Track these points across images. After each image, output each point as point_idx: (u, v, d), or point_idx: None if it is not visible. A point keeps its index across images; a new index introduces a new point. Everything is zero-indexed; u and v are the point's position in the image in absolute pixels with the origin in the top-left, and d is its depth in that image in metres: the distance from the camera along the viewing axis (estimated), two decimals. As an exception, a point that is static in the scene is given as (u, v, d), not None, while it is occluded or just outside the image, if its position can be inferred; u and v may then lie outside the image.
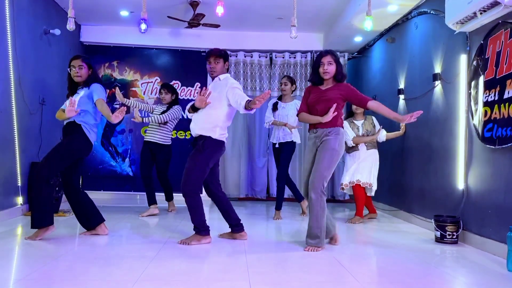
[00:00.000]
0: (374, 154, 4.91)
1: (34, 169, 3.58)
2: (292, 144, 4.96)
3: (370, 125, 4.91)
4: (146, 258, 2.98)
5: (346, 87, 3.49)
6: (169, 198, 5.38)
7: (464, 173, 3.82)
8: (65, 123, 3.63)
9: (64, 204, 5.19)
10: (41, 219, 3.42)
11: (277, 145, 4.98)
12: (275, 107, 5.03)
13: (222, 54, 3.67)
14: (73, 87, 3.69)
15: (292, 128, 4.91)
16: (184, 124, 6.24)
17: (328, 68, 3.41)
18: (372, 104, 3.42)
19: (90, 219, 3.71)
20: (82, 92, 3.61)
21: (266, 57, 6.84)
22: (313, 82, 3.56)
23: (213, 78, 3.69)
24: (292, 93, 5.12)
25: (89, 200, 3.71)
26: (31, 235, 3.46)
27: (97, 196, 6.36)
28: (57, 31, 5.27)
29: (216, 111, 3.53)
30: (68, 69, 3.65)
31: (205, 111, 3.54)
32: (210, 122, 3.51)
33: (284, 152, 4.93)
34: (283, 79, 5.08)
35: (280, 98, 5.13)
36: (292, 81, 5.08)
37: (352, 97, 3.49)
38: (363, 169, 4.84)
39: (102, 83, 3.77)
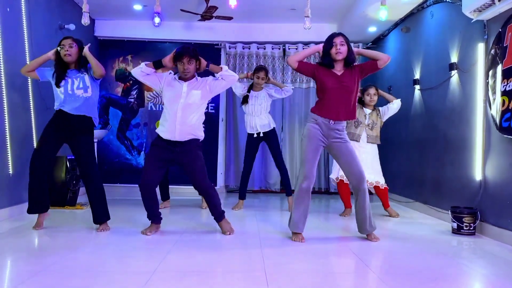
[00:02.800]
0: (375, 149, 4.66)
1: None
2: (275, 131, 4.96)
3: (376, 116, 4.74)
4: (163, 250, 3.02)
5: (356, 67, 3.41)
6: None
7: (482, 164, 3.77)
8: (68, 112, 3.54)
9: (81, 198, 5.27)
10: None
11: (261, 134, 4.88)
12: (245, 100, 4.93)
13: (196, 55, 3.60)
14: (61, 69, 3.57)
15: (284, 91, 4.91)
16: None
17: (341, 49, 3.30)
18: (382, 56, 3.35)
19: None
20: (85, 75, 3.59)
21: (279, 48, 6.80)
22: (323, 65, 3.42)
23: (185, 80, 3.58)
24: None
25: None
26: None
27: (112, 189, 6.47)
28: (72, 26, 5.32)
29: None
30: (58, 48, 3.55)
31: (188, 108, 3.53)
32: (196, 125, 3.59)
33: (274, 141, 4.91)
34: (261, 73, 4.87)
35: (250, 87, 4.98)
36: (267, 73, 4.94)
37: (365, 68, 3.39)
38: (365, 167, 4.37)
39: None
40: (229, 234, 3.56)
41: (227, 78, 3.59)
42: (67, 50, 3.50)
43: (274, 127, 4.94)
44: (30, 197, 3.54)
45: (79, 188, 5.06)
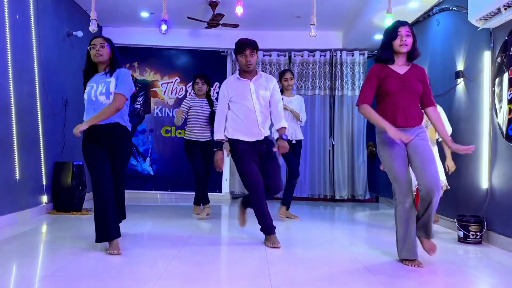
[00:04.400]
0: (435, 152, 4.01)
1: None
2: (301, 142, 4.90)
3: None
4: (168, 255, 3.02)
5: (423, 72, 2.96)
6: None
7: (488, 172, 3.75)
8: (101, 122, 3.07)
9: (87, 203, 5.29)
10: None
11: (293, 141, 4.72)
12: None
13: (257, 46, 3.43)
14: (91, 71, 3.23)
15: (300, 119, 4.80)
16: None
17: (407, 40, 2.84)
18: (432, 112, 2.94)
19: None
20: (112, 80, 3.12)
21: (285, 56, 6.83)
22: (382, 60, 2.94)
23: (247, 74, 3.42)
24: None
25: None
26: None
27: (118, 195, 6.48)
28: (79, 33, 5.37)
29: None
30: (88, 48, 3.19)
31: (264, 110, 3.44)
32: (269, 121, 3.53)
33: (298, 151, 4.82)
34: (287, 74, 4.77)
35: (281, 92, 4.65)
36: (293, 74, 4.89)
37: (425, 90, 2.94)
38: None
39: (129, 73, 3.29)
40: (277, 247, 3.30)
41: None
42: (98, 50, 3.13)
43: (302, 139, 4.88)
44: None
45: (85, 194, 5.08)
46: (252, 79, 3.41)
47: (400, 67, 2.91)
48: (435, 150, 3.97)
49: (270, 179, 3.41)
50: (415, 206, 2.87)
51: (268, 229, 3.37)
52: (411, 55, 2.92)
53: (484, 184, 3.78)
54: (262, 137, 3.40)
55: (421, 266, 2.80)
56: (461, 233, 3.71)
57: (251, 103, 3.37)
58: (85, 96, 3.15)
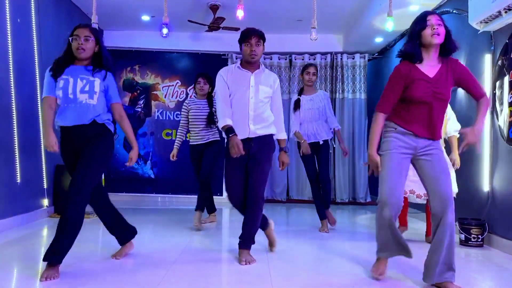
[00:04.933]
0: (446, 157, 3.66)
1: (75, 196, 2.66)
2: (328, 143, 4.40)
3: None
4: (169, 259, 3.02)
5: (459, 67, 2.48)
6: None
7: (489, 175, 3.74)
8: (72, 123, 2.70)
9: (88, 207, 5.28)
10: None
11: (321, 142, 4.27)
12: (297, 105, 4.27)
13: (263, 36, 3.11)
14: (65, 64, 2.74)
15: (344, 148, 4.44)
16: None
17: (439, 29, 2.36)
18: (485, 100, 2.50)
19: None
20: (97, 80, 2.73)
21: (286, 59, 6.84)
22: (409, 58, 2.46)
23: (250, 66, 3.11)
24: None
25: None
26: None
27: (119, 198, 6.48)
28: (80, 37, 5.37)
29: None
30: (70, 38, 2.75)
31: (260, 106, 3.09)
32: (269, 119, 3.16)
33: (325, 152, 4.33)
34: (311, 68, 4.27)
35: (301, 91, 4.40)
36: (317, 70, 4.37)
37: (467, 83, 2.49)
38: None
39: (113, 70, 2.93)
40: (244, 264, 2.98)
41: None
42: (81, 44, 2.69)
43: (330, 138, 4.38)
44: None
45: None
46: (253, 72, 3.11)
47: (431, 67, 2.44)
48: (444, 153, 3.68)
49: (248, 187, 3.08)
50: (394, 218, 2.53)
51: (246, 239, 3.08)
52: (447, 49, 2.43)
53: (486, 187, 3.78)
54: (251, 135, 3.05)
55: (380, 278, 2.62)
56: (463, 236, 3.71)
57: (247, 95, 3.05)
58: (59, 93, 2.68)
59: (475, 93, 2.50)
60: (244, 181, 3.10)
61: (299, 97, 4.33)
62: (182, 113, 4.58)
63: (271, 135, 3.16)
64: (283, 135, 3.23)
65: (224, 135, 3.10)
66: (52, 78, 2.73)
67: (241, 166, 3.09)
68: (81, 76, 2.71)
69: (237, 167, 3.08)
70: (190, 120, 4.53)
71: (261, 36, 3.08)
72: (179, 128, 4.56)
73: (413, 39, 2.43)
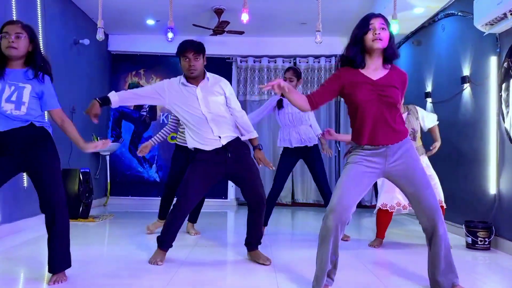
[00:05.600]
0: (425, 162, 3.70)
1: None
2: (317, 147, 4.21)
3: (415, 121, 3.76)
4: (176, 262, 3.02)
5: (403, 76, 2.37)
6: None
7: (496, 177, 3.72)
8: (4, 128, 2.41)
9: (94, 210, 5.30)
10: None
11: (310, 145, 4.11)
12: (280, 105, 4.08)
13: (202, 49, 3.01)
14: None
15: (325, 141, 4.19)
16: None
17: (382, 34, 2.23)
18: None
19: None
20: (27, 86, 2.41)
21: (290, 62, 6.84)
22: (349, 62, 2.33)
23: (193, 78, 2.99)
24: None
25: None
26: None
27: (124, 202, 6.51)
28: (86, 41, 5.41)
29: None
30: None
31: (217, 118, 2.99)
32: (231, 123, 3.08)
33: (318, 158, 4.15)
34: (287, 73, 4.07)
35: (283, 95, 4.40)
36: (299, 76, 4.11)
37: (403, 88, 2.40)
38: None
39: (51, 73, 2.55)
40: (269, 263, 3.02)
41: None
42: (12, 42, 2.37)
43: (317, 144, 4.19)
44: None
45: (91, 201, 5.10)
46: (198, 85, 2.98)
47: (374, 71, 2.31)
48: (425, 160, 3.71)
49: (249, 192, 3.05)
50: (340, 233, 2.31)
51: (160, 242, 3.03)
52: (388, 55, 2.30)
53: (492, 189, 3.76)
54: (222, 145, 2.96)
55: None
56: (469, 239, 3.69)
57: (199, 111, 2.94)
58: None
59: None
60: (204, 191, 3.06)
61: (281, 97, 4.02)
62: (170, 117, 4.31)
63: (238, 138, 3.07)
64: (253, 134, 3.11)
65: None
66: None
67: (211, 178, 3.01)
68: (10, 82, 2.39)
69: (198, 179, 2.96)
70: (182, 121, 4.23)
71: (198, 50, 2.96)
72: (167, 126, 4.25)
73: (356, 43, 2.29)
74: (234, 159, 3.00)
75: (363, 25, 2.28)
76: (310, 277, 2.74)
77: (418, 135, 3.77)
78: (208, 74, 3.07)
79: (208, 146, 2.96)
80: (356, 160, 2.32)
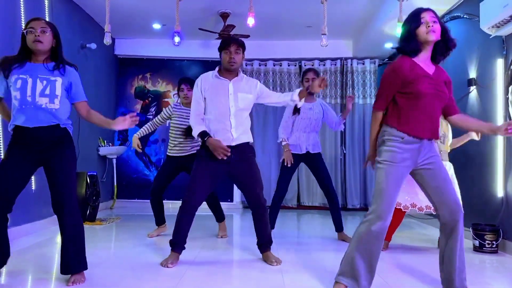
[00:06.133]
0: (450, 168, 3.73)
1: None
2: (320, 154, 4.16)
3: (446, 126, 3.74)
4: (183, 264, 3.03)
5: (446, 75, 2.46)
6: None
7: (503, 180, 3.71)
8: (34, 124, 2.49)
9: (101, 213, 5.33)
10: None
11: (313, 152, 4.07)
12: (296, 109, 4.00)
13: (243, 44, 3.16)
14: (19, 59, 2.52)
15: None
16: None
17: (435, 26, 2.30)
18: (461, 117, 2.51)
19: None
20: (58, 79, 2.53)
21: (295, 65, 6.86)
22: (406, 52, 2.37)
23: (228, 73, 3.12)
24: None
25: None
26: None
27: (131, 205, 6.54)
28: (93, 45, 5.46)
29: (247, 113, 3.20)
30: (24, 31, 2.53)
31: (240, 114, 3.09)
32: (248, 125, 3.19)
33: (322, 162, 4.09)
34: (309, 74, 4.04)
35: None
36: (319, 76, 4.03)
37: (450, 94, 2.45)
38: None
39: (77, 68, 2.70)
40: (277, 264, 3.12)
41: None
42: (38, 36, 2.47)
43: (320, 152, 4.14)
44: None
45: (98, 204, 5.13)
46: (232, 79, 3.11)
47: (427, 66, 2.38)
48: (449, 165, 3.71)
49: (249, 196, 3.14)
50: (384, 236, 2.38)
51: (172, 244, 3.12)
52: (446, 46, 2.38)
53: (500, 192, 3.74)
54: (234, 142, 3.04)
55: None
56: (477, 242, 3.67)
57: (227, 104, 3.04)
58: (16, 94, 2.46)
59: (454, 109, 2.49)
60: (210, 187, 3.09)
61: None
62: (161, 114, 4.24)
63: (248, 143, 3.15)
64: (290, 94, 3.19)
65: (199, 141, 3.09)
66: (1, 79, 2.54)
67: (215, 175, 3.06)
68: (41, 76, 2.49)
69: (206, 176, 3.03)
70: (171, 127, 4.21)
71: (240, 45, 3.12)
72: (150, 122, 4.27)
73: (410, 38, 2.34)
74: (238, 161, 3.06)
75: (415, 19, 2.32)
76: (316, 279, 2.74)
77: (448, 139, 3.75)
78: (242, 74, 3.21)
79: (220, 139, 3.01)
80: (395, 159, 2.34)
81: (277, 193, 4.09)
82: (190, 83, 4.09)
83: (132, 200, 6.64)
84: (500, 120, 3.76)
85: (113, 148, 6.16)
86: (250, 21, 4.18)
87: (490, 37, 3.75)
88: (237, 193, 6.81)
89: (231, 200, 6.75)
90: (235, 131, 3.05)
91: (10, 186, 2.47)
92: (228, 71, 3.11)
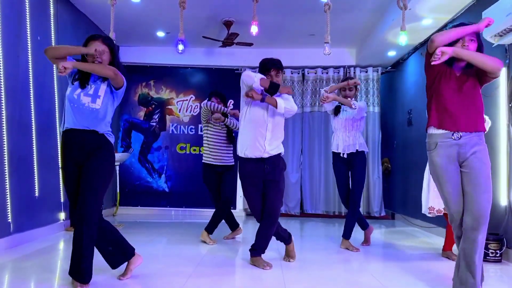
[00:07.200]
0: None
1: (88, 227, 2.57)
2: (364, 155, 4.16)
3: None
4: (185, 273, 3.03)
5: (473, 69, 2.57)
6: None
7: (507, 189, 3.70)
8: (73, 128, 2.65)
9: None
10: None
11: (345, 155, 4.10)
12: (337, 110, 4.16)
13: (281, 66, 3.39)
14: (83, 77, 2.72)
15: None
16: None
17: (470, 45, 2.50)
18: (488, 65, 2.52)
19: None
20: (103, 84, 2.73)
21: (298, 73, 6.88)
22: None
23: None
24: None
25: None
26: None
27: (133, 212, 6.55)
28: (98, 53, 5.49)
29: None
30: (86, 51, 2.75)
31: (280, 124, 3.35)
32: (280, 138, 3.39)
33: (359, 167, 4.09)
34: (350, 81, 4.15)
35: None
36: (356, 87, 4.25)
37: (479, 74, 2.57)
38: None
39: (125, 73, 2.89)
40: (269, 268, 3.21)
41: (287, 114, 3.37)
42: (97, 58, 2.70)
43: (363, 151, 4.14)
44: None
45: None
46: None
47: (457, 72, 2.58)
48: None
49: (266, 202, 3.31)
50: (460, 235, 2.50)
51: (260, 248, 3.33)
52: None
53: (503, 201, 3.73)
54: (266, 155, 3.26)
55: None
56: (480, 251, 3.65)
57: (265, 118, 3.26)
58: (68, 90, 2.71)
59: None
60: (261, 197, 3.32)
61: (339, 104, 4.19)
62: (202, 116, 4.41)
63: (279, 154, 3.35)
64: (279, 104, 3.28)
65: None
66: (74, 77, 2.75)
67: (257, 186, 3.31)
68: (92, 83, 2.72)
69: (253, 188, 3.31)
70: (207, 135, 4.40)
71: (279, 68, 3.33)
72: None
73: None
74: (270, 170, 3.28)
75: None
76: (316, 281, 2.73)
77: None
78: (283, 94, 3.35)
79: (254, 151, 3.26)
80: (441, 163, 2.51)
81: (341, 196, 4.22)
82: (221, 96, 4.44)
83: (135, 207, 6.65)
84: (503, 128, 3.76)
85: (116, 155, 6.17)
86: (254, 29, 4.21)
87: (493, 45, 3.75)
88: (239, 201, 6.81)
89: (234, 208, 6.74)
90: (268, 143, 3.26)
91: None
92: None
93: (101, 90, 2.70)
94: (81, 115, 2.64)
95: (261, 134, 3.25)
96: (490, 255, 3.59)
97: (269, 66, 3.30)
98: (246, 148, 3.28)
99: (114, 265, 2.82)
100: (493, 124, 3.93)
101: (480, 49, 2.51)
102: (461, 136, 2.47)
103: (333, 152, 4.19)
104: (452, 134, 2.47)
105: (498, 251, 3.59)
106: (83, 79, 2.71)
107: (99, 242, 2.70)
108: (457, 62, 2.55)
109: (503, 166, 3.74)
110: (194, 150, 6.80)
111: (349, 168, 4.13)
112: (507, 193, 3.69)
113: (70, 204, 2.68)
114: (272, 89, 3.18)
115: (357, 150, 4.08)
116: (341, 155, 4.10)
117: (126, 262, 2.86)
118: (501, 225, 3.71)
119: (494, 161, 3.87)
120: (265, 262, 3.26)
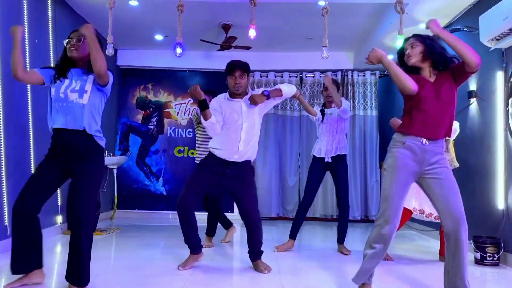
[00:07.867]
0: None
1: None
2: (345, 158, 4.15)
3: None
4: (182, 276, 3.02)
5: (448, 71, 2.57)
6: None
7: (504, 192, 3.71)
8: (62, 128, 2.62)
9: (101, 223, 5.31)
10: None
11: (328, 159, 4.07)
12: (322, 114, 4.18)
13: (247, 69, 3.37)
14: (64, 68, 2.75)
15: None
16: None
17: (411, 51, 2.59)
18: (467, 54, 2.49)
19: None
20: (89, 78, 2.72)
21: (296, 76, 6.89)
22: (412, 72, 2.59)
23: (237, 96, 3.32)
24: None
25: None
26: None
27: (131, 215, 6.53)
28: (95, 56, 5.49)
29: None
30: (64, 42, 2.83)
31: (251, 132, 3.29)
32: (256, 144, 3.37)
33: (342, 170, 4.09)
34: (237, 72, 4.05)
35: (324, 105, 4.32)
36: (338, 86, 4.25)
37: (455, 71, 2.57)
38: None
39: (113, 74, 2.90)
40: (267, 272, 3.21)
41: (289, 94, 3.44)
42: (73, 43, 2.74)
43: (345, 154, 4.13)
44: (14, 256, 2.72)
45: (99, 214, 5.11)
46: (242, 98, 3.32)
47: (429, 78, 2.58)
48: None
49: (242, 214, 3.29)
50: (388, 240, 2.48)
51: (192, 245, 3.30)
52: (435, 62, 2.55)
53: (500, 204, 3.74)
54: (239, 158, 3.22)
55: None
56: (478, 255, 3.66)
57: (240, 122, 3.23)
58: (52, 91, 2.68)
59: (460, 64, 2.52)
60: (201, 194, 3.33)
61: (323, 108, 4.25)
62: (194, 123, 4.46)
63: (249, 161, 3.33)
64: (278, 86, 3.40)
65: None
66: (51, 71, 2.78)
67: (209, 183, 3.27)
68: (76, 77, 2.71)
69: (203, 182, 3.23)
70: (199, 137, 4.45)
71: (245, 69, 3.29)
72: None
73: (401, 64, 2.67)
74: (234, 176, 3.23)
75: (402, 49, 2.68)
76: (313, 284, 2.73)
77: (449, 145, 3.74)
78: (251, 90, 3.41)
79: (223, 152, 3.22)
80: (398, 166, 2.48)
81: (304, 201, 4.17)
82: (214, 94, 4.36)
83: (133, 211, 6.64)
84: (500, 132, 3.77)
85: (114, 158, 6.16)
86: (252, 33, 4.22)
87: (490, 49, 3.77)
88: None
89: (232, 211, 6.73)
90: (243, 144, 3.22)
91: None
92: (236, 94, 3.30)
93: (87, 86, 2.69)
94: (70, 114, 2.62)
95: (236, 136, 3.24)
96: (488, 258, 3.59)
97: (234, 67, 3.28)
98: (217, 149, 3.29)
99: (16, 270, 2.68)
100: (489, 128, 3.94)
101: (430, 49, 2.56)
102: (429, 143, 2.45)
103: (314, 156, 4.16)
104: (421, 139, 2.45)
105: (495, 255, 3.59)
106: (62, 71, 2.71)
107: (20, 237, 2.64)
108: (422, 71, 2.59)
109: (501, 170, 3.75)
110: (192, 153, 6.79)
111: (331, 172, 4.12)
112: (505, 196, 3.69)
113: (18, 198, 2.66)
114: (202, 105, 3.18)
115: (338, 154, 4.07)
116: (325, 159, 4.07)
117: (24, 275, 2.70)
118: (499, 229, 3.72)
119: (491, 165, 3.89)
120: (264, 266, 3.26)
